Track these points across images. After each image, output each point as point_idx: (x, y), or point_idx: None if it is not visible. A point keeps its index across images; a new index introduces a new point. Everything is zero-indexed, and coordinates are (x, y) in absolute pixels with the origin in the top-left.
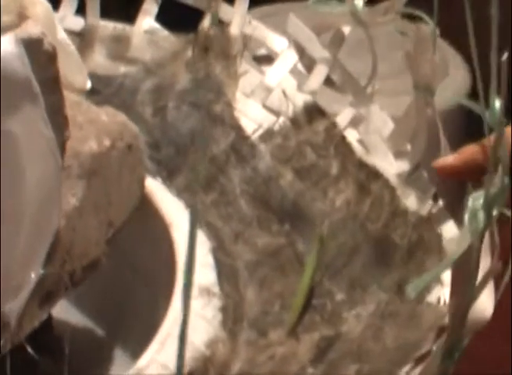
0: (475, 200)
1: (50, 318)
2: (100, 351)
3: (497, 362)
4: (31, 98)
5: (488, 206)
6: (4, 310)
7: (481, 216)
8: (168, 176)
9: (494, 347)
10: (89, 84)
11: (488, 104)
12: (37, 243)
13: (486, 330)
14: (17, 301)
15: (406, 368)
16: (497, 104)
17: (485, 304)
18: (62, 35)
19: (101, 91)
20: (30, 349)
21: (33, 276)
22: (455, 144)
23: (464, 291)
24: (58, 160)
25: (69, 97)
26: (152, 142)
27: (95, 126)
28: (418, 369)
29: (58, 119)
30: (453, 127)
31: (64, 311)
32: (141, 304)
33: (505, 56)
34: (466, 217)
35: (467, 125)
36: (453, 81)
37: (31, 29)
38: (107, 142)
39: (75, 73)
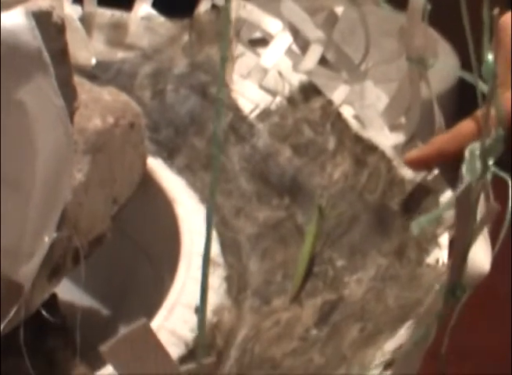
0: (472, 151)
1: (55, 297)
2: (105, 329)
3: (497, 361)
4: (42, 69)
5: (484, 156)
6: (18, 274)
7: (477, 165)
8: (169, 156)
9: (494, 347)
10: (94, 60)
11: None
12: (49, 208)
13: (486, 330)
14: (30, 266)
15: (408, 323)
16: (490, 56)
17: (482, 259)
18: (67, 11)
19: (100, 76)
20: (37, 326)
21: (46, 240)
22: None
23: (464, 231)
24: (68, 128)
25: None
26: (152, 124)
27: (99, 105)
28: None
29: (68, 90)
30: (442, 112)
31: (69, 291)
32: (145, 281)
33: (497, 11)
34: (463, 167)
35: (457, 111)
36: (442, 68)
37: (41, 2)
38: (110, 120)
39: (80, 48)
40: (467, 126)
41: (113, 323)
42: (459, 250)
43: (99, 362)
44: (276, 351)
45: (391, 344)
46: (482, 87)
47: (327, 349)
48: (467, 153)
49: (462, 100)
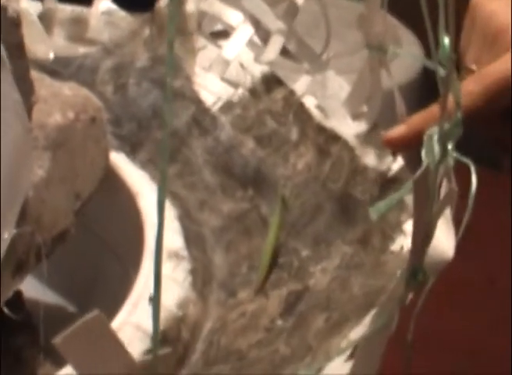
0: (430, 135)
1: (20, 294)
2: (71, 325)
3: (497, 361)
4: None
5: (443, 140)
6: None
7: (436, 149)
8: (132, 150)
9: (494, 346)
10: (52, 54)
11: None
12: (8, 204)
13: (487, 330)
14: None
15: (373, 311)
16: (446, 40)
17: (445, 244)
18: (24, 5)
19: (62, 72)
20: (1, 324)
21: (6, 236)
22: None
23: (422, 215)
24: (26, 123)
25: (32, 73)
26: (114, 119)
27: (59, 100)
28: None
29: (25, 84)
30: (407, 101)
31: (34, 289)
32: (111, 276)
33: None
34: (422, 152)
35: (419, 102)
36: (406, 58)
37: None
38: (71, 115)
39: (37, 41)
40: (436, 108)
41: (79, 318)
42: (418, 233)
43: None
44: (242, 342)
45: (356, 333)
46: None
47: (293, 340)
48: (425, 137)
49: (428, 90)
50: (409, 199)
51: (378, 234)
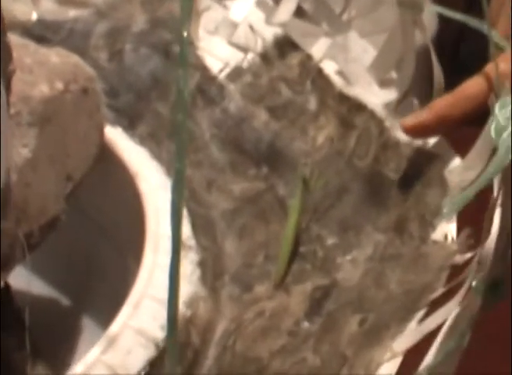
0: (503, 107)
1: (8, 288)
2: (66, 322)
3: (497, 361)
4: None
5: None
6: None
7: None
8: (130, 124)
9: (494, 346)
10: (35, 15)
11: None
12: None
13: (487, 329)
14: None
15: (418, 314)
16: None
17: None
18: None
19: (50, 38)
20: None
21: None
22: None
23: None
24: (3, 96)
25: (14, 39)
26: (110, 89)
27: (45, 69)
28: (439, 315)
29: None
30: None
31: (24, 281)
32: (109, 266)
33: None
34: (491, 127)
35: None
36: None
37: None
38: (59, 85)
39: (16, 0)
40: (472, 86)
41: (75, 314)
42: (503, 235)
43: (60, 360)
44: (262, 348)
45: (401, 343)
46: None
47: (322, 346)
48: (497, 109)
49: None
50: (451, 179)
51: (416, 220)
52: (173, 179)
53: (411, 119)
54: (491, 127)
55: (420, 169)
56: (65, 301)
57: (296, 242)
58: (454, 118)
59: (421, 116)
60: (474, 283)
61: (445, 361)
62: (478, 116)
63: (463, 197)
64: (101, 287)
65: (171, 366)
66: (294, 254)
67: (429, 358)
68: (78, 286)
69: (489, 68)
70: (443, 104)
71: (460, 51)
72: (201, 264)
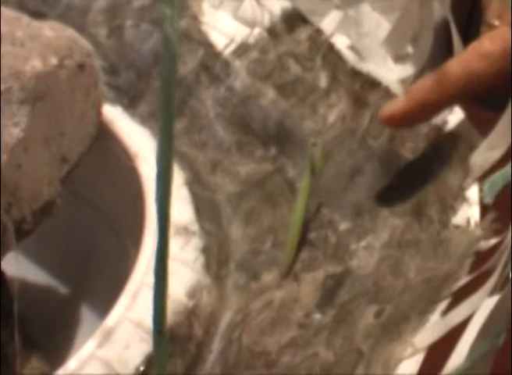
0: None
1: (2, 277)
2: (64, 311)
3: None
4: None
5: None
6: None
7: None
8: (130, 103)
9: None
10: None
11: None
12: None
13: None
14: None
15: (441, 305)
16: None
17: None
18: None
19: (46, 12)
20: None
21: None
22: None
23: None
24: None
25: (6, 12)
26: (109, 67)
27: (39, 43)
28: (465, 307)
29: None
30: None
31: (19, 267)
32: (108, 252)
33: None
34: None
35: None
36: None
37: None
38: (53, 60)
39: None
40: (456, 66)
41: (73, 303)
42: None
43: (57, 352)
44: (270, 342)
45: (424, 337)
46: None
47: (336, 340)
48: None
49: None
50: (473, 159)
51: (436, 203)
52: (158, 147)
53: (388, 108)
54: None
55: (439, 149)
56: (62, 289)
57: (305, 228)
58: (437, 103)
59: (399, 103)
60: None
61: (478, 362)
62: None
63: (502, 178)
64: (101, 275)
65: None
66: (303, 240)
67: (457, 356)
68: (76, 273)
69: (473, 46)
70: (423, 88)
71: (473, 24)
72: (205, 250)
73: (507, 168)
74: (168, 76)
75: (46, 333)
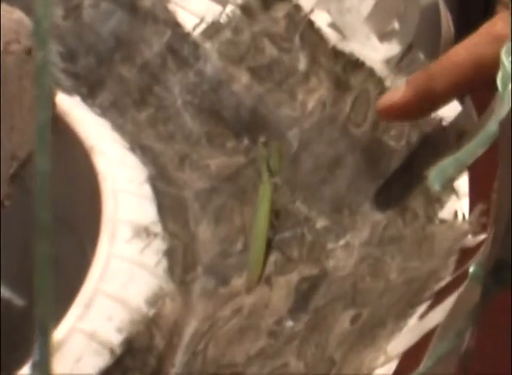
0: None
1: None
2: (20, 326)
3: (497, 362)
4: None
5: None
6: None
7: None
8: (90, 92)
9: (494, 346)
10: None
11: None
12: None
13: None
14: None
15: (421, 308)
16: None
17: None
18: None
19: None
20: None
21: None
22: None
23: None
24: None
25: None
26: (65, 51)
27: None
28: (442, 309)
29: None
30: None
31: None
32: (67, 258)
33: None
34: (498, 79)
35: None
36: None
37: None
38: None
39: None
40: (462, 51)
41: (31, 317)
42: (504, 208)
43: (18, 368)
44: (238, 352)
45: (398, 343)
46: None
47: (307, 349)
48: (503, 56)
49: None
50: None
51: (421, 196)
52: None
53: (386, 99)
54: (497, 78)
55: (425, 136)
56: (19, 302)
57: (275, 229)
58: (442, 92)
59: (398, 94)
60: (471, 269)
61: (438, 366)
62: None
63: (454, 162)
64: (60, 284)
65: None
66: (269, 246)
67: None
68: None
69: (484, 28)
70: (424, 76)
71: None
72: (169, 253)
73: (462, 152)
74: (40, 64)
75: (4, 348)
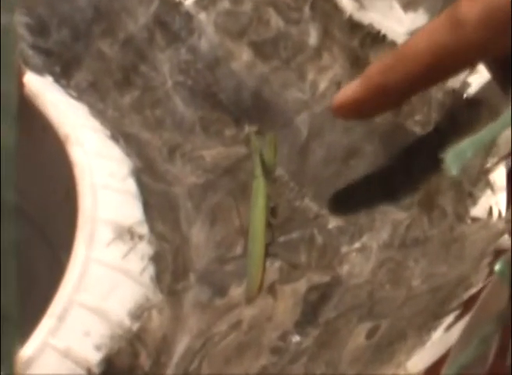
0: None
1: None
2: None
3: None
4: None
5: None
6: None
7: None
8: (64, 71)
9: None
10: None
11: None
12: None
13: None
14: None
15: (448, 319)
16: None
17: None
18: None
19: None
20: None
21: None
22: None
23: None
24: None
25: None
26: (36, 24)
27: None
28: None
29: None
30: None
31: None
32: (38, 264)
33: None
34: None
35: None
36: None
37: None
38: None
39: None
40: (422, 38)
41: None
42: None
43: None
44: (236, 372)
45: (419, 360)
46: None
47: (317, 367)
48: None
49: None
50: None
51: (450, 190)
52: None
53: (340, 95)
54: None
55: (456, 121)
56: None
57: (276, 231)
58: (395, 87)
59: (352, 88)
60: (497, 266)
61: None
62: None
63: (473, 144)
64: (31, 294)
65: None
66: (268, 250)
67: None
68: None
69: (447, 11)
70: (378, 69)
71: None
72: (157, 259)
73: (483, 132)
74: (5, 27)
75: None
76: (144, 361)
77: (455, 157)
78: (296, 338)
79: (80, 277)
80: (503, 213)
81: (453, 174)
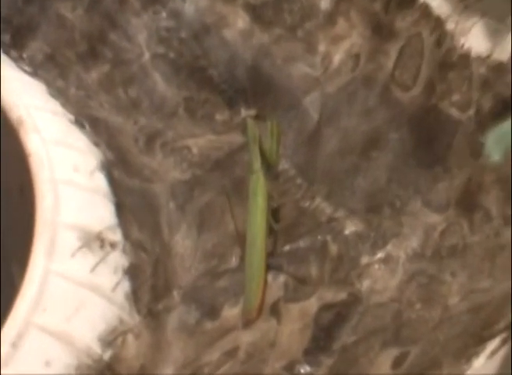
0: None
1: None
2: None
3: None
4: None
5: None
6: None
7: None
8: (15, 42)
9: None
10: None
11: None
12: None
13: None
14: None
15: (492, 344)
16: None
17: None
18: None
19: None
20: None
21: None
22: None
23: None
24: None
25: None
26: None
27: None
28: None
29: None
30: None
31: None
32: None
33: None
34: None
35: None
36: None
37: None
38: None
39: None
40: None
41: None
42: None
43: None
44: None
45: None
46: None
47: None
48: None
49: None
50: None
51: (495, 188)
52: None
53: None
54: None
55: (503, 102)
56: None
57: (272, 241)
58: None
59: None
60: None
61: None
62: None
63: None
64: None
65: None
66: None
67: None
68: None
69: None
70: None
71: None
72: (132, 272)
73: None
74: None
75: None
76: None
77: (497, 140)
78: (305, 369)
79: (39, 295)
80: None
81: (494, 160)
